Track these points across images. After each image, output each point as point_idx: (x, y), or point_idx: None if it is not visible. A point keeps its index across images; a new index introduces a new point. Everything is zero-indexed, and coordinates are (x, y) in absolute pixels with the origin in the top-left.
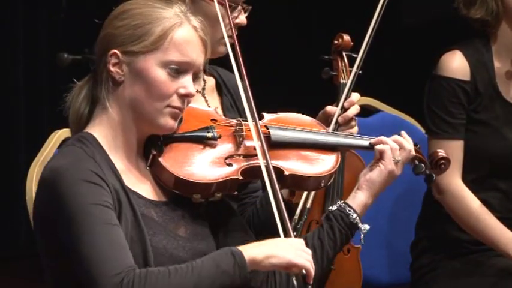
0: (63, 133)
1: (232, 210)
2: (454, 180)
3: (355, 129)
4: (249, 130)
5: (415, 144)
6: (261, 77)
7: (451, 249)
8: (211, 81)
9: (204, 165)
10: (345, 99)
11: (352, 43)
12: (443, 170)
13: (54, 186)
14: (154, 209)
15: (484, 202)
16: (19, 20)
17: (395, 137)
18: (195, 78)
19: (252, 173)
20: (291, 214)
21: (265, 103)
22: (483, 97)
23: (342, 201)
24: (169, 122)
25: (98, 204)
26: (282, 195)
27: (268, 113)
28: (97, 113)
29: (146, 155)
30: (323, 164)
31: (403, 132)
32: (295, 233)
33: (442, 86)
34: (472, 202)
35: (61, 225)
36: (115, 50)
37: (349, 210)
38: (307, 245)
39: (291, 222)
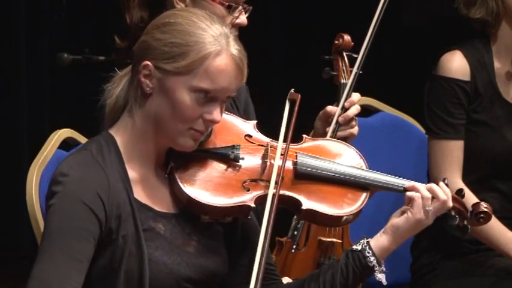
0: (63, 133)
1: (252, 226)
2: (454, 181)
3: (356, 129)
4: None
5: (459, 192)
6: (261, 77)
7: (451, 249)
8: None
9: (219, 187)
10: (346, 99)
11: (352, 43)
12: (480, 224)
13: (54, 191)
14: (163, 222)
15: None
16: (19, 20)
17: (431, 185)
18: (227, 100)
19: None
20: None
21: (266, 103)
22: (483, 97)
23: (366, 240)
24: (189, 143)
25: (78, 236)
26: None
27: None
28: (124, 116)
29: (167, 164)
30: (348, 203)
31: (441, 183)
32: (295, 233)
33: (442, 86)
34: (472, 202)
35: (44, 230)
36: (148, 62)
37: (368, 253)
38: (318, 279)
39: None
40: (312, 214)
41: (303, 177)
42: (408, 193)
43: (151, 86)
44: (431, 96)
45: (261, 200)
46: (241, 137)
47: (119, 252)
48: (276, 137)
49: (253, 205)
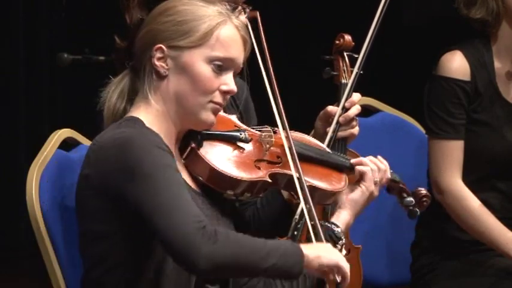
0: (63, 133)
1: (245, 219)
2: (454, 181)
3: (356, 129)
4: (277, 140)
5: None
6: (261, 77)
7: (451, 249)
8: None
9: (238, 164)
10: (346, 99)
11: (353, 43)
12: (424, 208)
13: (126, 150)
14: (194, 196)
15: (484, 202)
16: (19, 20)
17: (371, 158)
18: (234, 76)
19: (278, 180)
20: (291, 215)
21: (266, 103)
22: (483, 97)
23: (329, 222)
24: (210, 117)
25: (172, 168)
26: (285, 196)
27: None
28: (139, 104)
29: (181, 149)
30: (336, 182)
31: (379, 156)
32: (295, 233)
33: (442, 86)
34: (472, 202)
35: (138, 184)
36: (160, 45)
37: (337, 227)
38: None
39: (291, 222)
40: (312, 190)
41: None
42: (359, 167)
43: (166, 68)
44: (432, 96)
45: (274, 177)
46: (232, 126)
47: None
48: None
49: (270, 180)
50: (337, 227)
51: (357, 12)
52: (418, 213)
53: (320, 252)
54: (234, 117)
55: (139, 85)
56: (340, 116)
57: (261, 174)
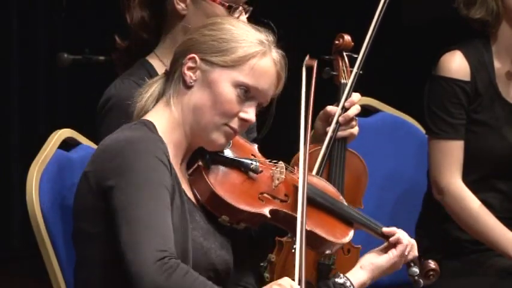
0: (63, 133)
1: (244, 244)
2: (454, 181)
3: (356, 129)
4: (288, 178)
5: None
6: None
7: (451, 249)
8: None
9: (240, 193)
10: (346, 99)
11: (353, 43)
12: (430, 281)
13: (125, 153)
14: (193, 209)
15: (484, 202)
16: (19, 20)
17: (404, 233)
18: (258, 108)
19: (278, 217)
20: None
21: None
22: (483, 97)
23: (345, 276)
24: (221, 140)
25: (161, 184)
26: None
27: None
28: (159, 106)
29: (189, 165)
30: (340, 234)
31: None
32: None
33: (442, 87)
34: (472, 202)
35: (119, 189)
36: (195, 55)
37: (350, 286)
38: None
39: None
40: (311, 236)
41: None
42: (394, 238)
43: (194, 79)
44: (431, 96)
45: (274, 214)
46: (249, 154)
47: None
48: (276, 158)
49: (269, 215)
50: (352, 287)
51: (357, 12)
52: (422, 285)
53: None
54: (255, 147)
55: (167, 87)
56: (339, 115)
57: (262, 208)
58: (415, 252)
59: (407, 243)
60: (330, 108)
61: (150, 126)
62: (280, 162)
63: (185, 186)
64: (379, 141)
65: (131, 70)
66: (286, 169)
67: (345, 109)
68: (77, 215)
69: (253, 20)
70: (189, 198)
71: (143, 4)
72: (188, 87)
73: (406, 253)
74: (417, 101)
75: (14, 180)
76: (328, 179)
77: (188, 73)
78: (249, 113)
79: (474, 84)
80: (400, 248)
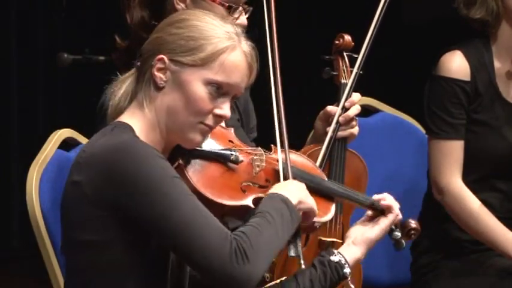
0: (63, 133)
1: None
2: (454, 181)
3: (356, 129)
4: (268, 162)
5: None
6: (261, 77)
7: (451, 249)
8: None
9: (222, 186)
10: (346, 99)
11: (353, 43)
12: (411, 239)
13: (126, 161)
14: None
15: (484, 202)
16: (18, 20)
17: (391, 197)
18: (233, 100)
19: None
20: None
21: (266, 103)
22: (483, 97)
23: (339, 253)
24: (197, 138)
25: (177, 178)
26: None
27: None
28: (133, 108)
29: (169, 162)
30: (322, 211)
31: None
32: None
33: (442, 87)
34: (472, 202)
35: (146, 199)
36: (163, 56)
37: (345, 263)
38: (297, 283)
39: None
40: None
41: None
42: (386, 202)
43: (164, 80)
44: (431, 96)
45: (258, 202)
46: (226, 141)
47: None
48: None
49: (252, 206)
50: (349, 267)
51: (357, 12)
52: (404, 245)
53: (299, 197)
54: (231, 132)
55: (138, 89)
56: (340, 115)
57: (245, 199)
58: (400, 216)
59: (397, 210)
60: (330, 108)
61: (129, 129)
62: (259, 148)
63: None
64: (379, 141)
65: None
66: (265, 154)
67: (345, 109)
68: (70, 224)
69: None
70: None
71: (143, 4)
72: (159, 88)
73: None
74: (417, 101)
75: (14, 180)
76: (328, 179)
77: (158, 74)
78: (224, 109)
79: (474, 84)
80: (391, 216)
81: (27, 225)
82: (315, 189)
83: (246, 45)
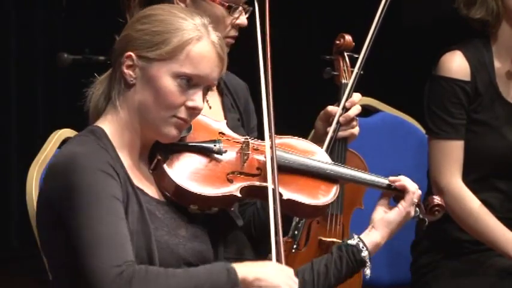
0: (63, 133)
1: (231, 221)
2: (454, 181)
3: (357, 129)
4: (255, 149)
5: None
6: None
7: (451, 249)
8: None
9: (205, 178)
10: (347, 99)
11: (353, 43)
12: (436, 217)
13: (69, 172)
14: (157, 206)
15: (484, 202)
16: (18, 20)
17: (412, 182)
18: (207, 91)
19: (252, 192)
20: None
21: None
22: (483, 97)
23: (357, 236)
24: (172, 132)
25: (111, 196)
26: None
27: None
28: (108, 110)
29: (150, 159)
30: (323, 194)
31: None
32: (296, 232)
33: (442, 86)
34: (472, 202)
35: (69, 210)
36: (131, 53)
37: (363, 247)
38: (312, 269)
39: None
40: (292, 205)
41: (280, 169)
42: (400, 183)
43: (134, 77)
44: (432, 96)
45: (246, 191)
46: (216, 133)
47: (129, 230)
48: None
49: (239, 195)
50: (366, 249)
51: (357, 12)
52: (427, 222)
53: (262, 275)
54: (222, 125)
55: (111, 89)
56: (340, 116)
57: (231, 188)
58: (418, 193)
59: (414, 189)
60: (330, 108)
61: (98, 134)
62: (247, 137)
63: (147, 184)
64: (379, 141)
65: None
66: (255, 141)
67: (345, 109)
68: (39, 228)
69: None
70: (151, 197)
71: (143, 4)
72: (130, 86)
73: (416, 199)
74: (417, 101)
75: (14, 180)
76: None
77: (128, 72)
78: (196, 100)
79: (474, 84)
80: (408, 197)
81: (27, 225)
82: (314, 173)
83: (214, 36)
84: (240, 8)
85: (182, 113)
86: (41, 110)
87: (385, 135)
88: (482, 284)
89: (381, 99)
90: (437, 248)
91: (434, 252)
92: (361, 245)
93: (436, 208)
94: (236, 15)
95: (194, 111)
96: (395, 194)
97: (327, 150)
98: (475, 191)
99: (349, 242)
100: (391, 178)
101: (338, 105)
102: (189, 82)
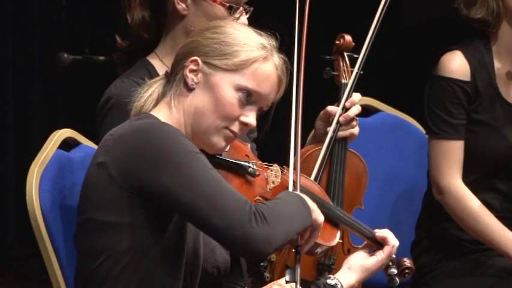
0: (63, 133)
1: None
2: (454, 181)
3: (357, 129)
4: (283, 180)
5: None
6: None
7: (451, 249)
8: None
9: None
10: (347, 99)
11: (353, 43)
12: (405, 278)
13: (149, 138)
14: None
15: (484, 202)
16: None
17: (394, 238)
18: (258, 112)
19: None
20: None
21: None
22: (483, 97)
23: (337, 279)
24: (221, 143)
25: (201, 154)
26: None
27: None
28: (160, 107)
29: None
30: (328, 235)
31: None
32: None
33: (442, 87)
34: (472, 202)
35: (167, 173)
36: (197, 58)
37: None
38: None
39: None
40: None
41: None
42: (380, 235)
43: (196, 81)
44: (432, 96)
45: None
46: (243, 155)
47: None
48: (275, 158)
49: None
50: None
51: (357, 12)
52: (398, 283)
53: (314, 208)
54: (248, 146)
55: (167, 90)
56: (340, 115)
57: None
58: (396, 243)
59: (394, 244)
60: (330, 108)
61: (155, 118)
62: (275, 164)
63: None
64: (379, 141)
65: (131, 70)
66: (281, 171)
67: (345, 109)
68: (90, 205)
69: (258, 25)
70: None
71: (144, 4)
72: (190, 89)
73: (393, 254)
74: (417, 101)
75: (14, 180)
76: (329, 179)
77: (190, 75)
78: (250, 117)
79: (474, 84)
80: (387, 249)
81: (26, 225)
82: (324, 214)
83: (278, 59)
84: (241, 9)
85: (235, 127)
86: (40, 110)
87: (385, 135)
88: (482, 284)
89: (381, 99)
90: (437, 248)
91: (434, 252)
92: (339, 285)
93: (406, 271)
94: (237, 15)
95: (246, 127)
96: (377, 247)
97: (326, 150)
98: (475, 191)
99: (329, 281)
100: (377, 230)
101: (338, 105)
102: (249, 98)
